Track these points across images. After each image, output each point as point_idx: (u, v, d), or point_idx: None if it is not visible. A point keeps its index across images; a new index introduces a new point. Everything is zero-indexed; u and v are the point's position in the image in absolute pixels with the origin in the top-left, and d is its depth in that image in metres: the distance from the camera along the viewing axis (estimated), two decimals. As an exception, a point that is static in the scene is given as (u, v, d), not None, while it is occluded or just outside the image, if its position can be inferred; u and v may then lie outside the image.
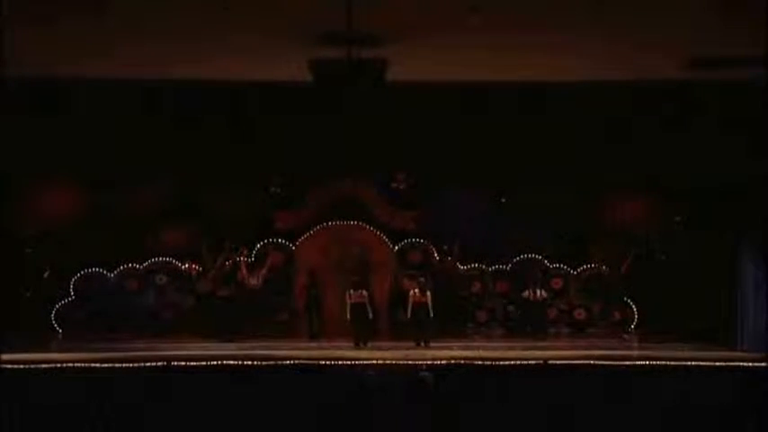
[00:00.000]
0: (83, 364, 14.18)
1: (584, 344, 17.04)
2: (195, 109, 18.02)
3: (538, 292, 18.10)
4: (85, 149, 17.94)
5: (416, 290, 16.76)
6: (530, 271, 18.73)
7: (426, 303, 16.66)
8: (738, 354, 15.11)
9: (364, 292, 16.79)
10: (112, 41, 14.40)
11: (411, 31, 13.98)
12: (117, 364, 14.24)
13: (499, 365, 14.30)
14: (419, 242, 19.16)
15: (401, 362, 14.41)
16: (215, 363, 14.29)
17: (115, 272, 18.91)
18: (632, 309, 18.79)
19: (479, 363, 14.35)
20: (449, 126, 18.38)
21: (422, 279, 16.97)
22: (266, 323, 18.36)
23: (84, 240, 18.51)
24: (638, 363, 14.36)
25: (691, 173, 17.35)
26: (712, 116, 16.83)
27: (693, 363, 14.22)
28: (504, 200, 19.36)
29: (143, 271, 18.97)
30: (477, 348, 16.15)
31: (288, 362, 14.40)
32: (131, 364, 14.24)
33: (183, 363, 14.26)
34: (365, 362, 14.32)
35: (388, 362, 14.39)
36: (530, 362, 14.38)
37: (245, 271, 17.93)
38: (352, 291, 16.72)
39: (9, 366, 13.92)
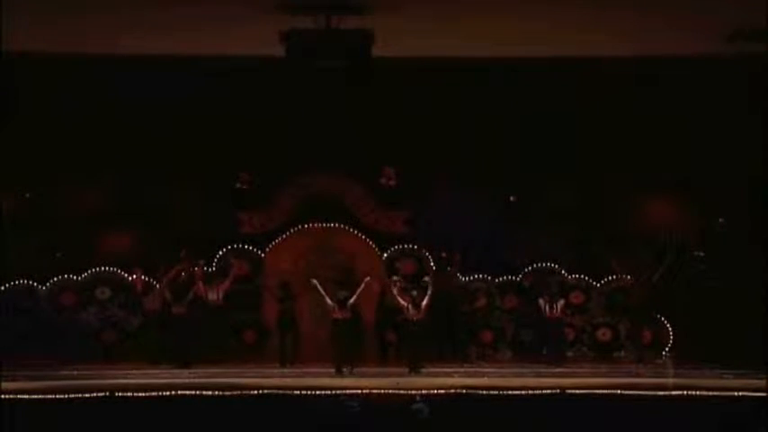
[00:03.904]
0: (7, 396, 14.03)
1: (608, 370, 17.03)
2: (143, 90, 17.97)
3: (554, 308, 18.07)
4: (13, 141, 17.84)
5: (409, 305, 16.71)
6: (544, 283, 18.71)
7: (421, 321, 16.59)
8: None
9: (349, 307, 16.71)
10: (44, 11, 14.30)
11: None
12: (49, 396, 14.08)
13: (508, 395, 14.28)
14: (412, 248, 19.15)
15: (391, 391, 14.35)
16: (168, 393, 14.19)
17: (48, 284, 18.79)
18: (666, 328, 18.80)
19: (484, 392, 14.32)
20: (445, 111, 18.41)
21: (415, 292, 16.92)
22: (229, 345, 18.31)
23: (11, 247, 18.40)
24: (674, 393, 14.33)
25: (735, 166, 17.41)
26: (751, 97, 16.93)
27: (740, 393, 14.19)
28: (512, 198, 19.38)
29: (82, 283, 18.87)
30: (482, 375, 16.12)
31: (256, 391, 14.33)
32: (67, 396, 14.07)
33: (129, 393, 14.16)
34: (348, 391, 14.24)
35: (375, 391, 14.32)
36: (544, 391, 14.36)
37: (201, 284, 17.83)
38: (336, 305, 16.64)
39: None
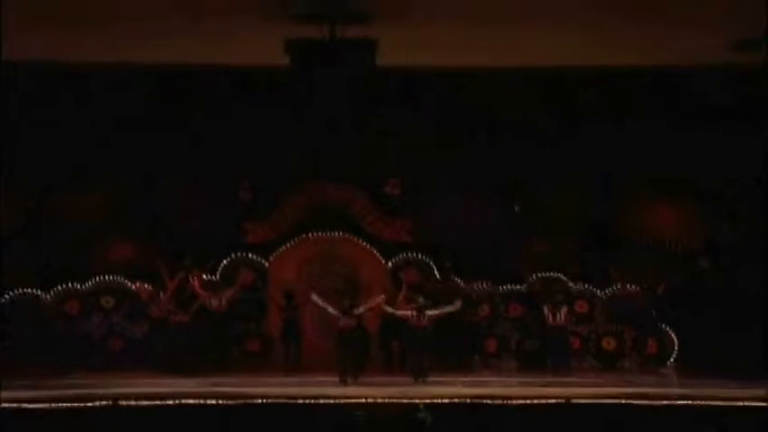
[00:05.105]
0: (11, 405, 14.06)
1: (613, 379, 17.04)
2: (148, 98, 18.04)
3: (558, 316, 18.09)
4: (16, 148, 17.88)
5: (414, 314, 16.73)
6: (548, 292, 18.72)
7: (425, 330, 16.62)
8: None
9: (355, 317, 16.73)
10: (53, 18, 14.37)
11: (404, 6, 14.02)
12: (53, 405, 14.10)
13: (512, 405, 14.27)
14: (416, 257, 19.15)
15: (396, 400, 14.37)
16: (171, 402, 14.21)
17: (52, 293, 18.81)
18: (671, 337, 18.79)
19: (488, 401, 14.32)
20: (449, 119, 18.42)
21: (420, 301, 16.93)
22: (233, 354, 18.34)
23: (14, 255, 18.42)
24: (679, 403, 14.33)
25: (739, 173, 17.43)
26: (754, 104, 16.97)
27: (745, 404, 14.19)
28: (517, 207, 19.38)
29: (86, 292, 18.88)
30: (486, 384, 16.14)
31: (260, 400, 14.34)
32: (71, 404, 14.08)
33: (133, 402, 14.18)
34: (353, 400, 14.26)
35: (380, 400, 14.33)
36: (549, 400, 14.36)
37: (202, 291, 17.82)
38: (341, 314, 16.66)
39: None
